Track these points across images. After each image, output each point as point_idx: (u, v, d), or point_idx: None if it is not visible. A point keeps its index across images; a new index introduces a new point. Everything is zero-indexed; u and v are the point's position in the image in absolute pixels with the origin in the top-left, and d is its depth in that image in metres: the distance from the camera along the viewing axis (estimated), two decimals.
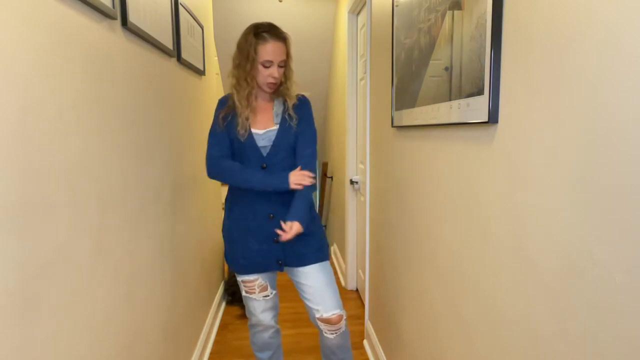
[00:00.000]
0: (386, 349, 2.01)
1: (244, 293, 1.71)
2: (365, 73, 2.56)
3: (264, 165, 1.56)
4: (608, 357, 0.63)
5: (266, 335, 1.77)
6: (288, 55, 1.55)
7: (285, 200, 1.55)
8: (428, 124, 1.31)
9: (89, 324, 0.99)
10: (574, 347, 0.70)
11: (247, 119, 1.54)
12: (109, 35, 1.13)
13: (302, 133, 1.58)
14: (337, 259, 3.86)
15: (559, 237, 0.73)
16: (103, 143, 1.07)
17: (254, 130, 1.57)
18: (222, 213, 2.02)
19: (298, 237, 1.60)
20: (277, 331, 1.81)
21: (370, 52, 2.23)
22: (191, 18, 2.14)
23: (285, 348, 2.28)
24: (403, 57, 1.56)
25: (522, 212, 0.84)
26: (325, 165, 4.65)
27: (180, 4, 1.87)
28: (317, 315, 1.61)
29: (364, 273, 2.84)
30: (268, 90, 1.56)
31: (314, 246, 1.62)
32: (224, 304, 3.00)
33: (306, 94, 1.67)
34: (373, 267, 2.29)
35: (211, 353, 2.37)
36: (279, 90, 1.61)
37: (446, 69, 1.15)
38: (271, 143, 1.56)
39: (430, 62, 1.27)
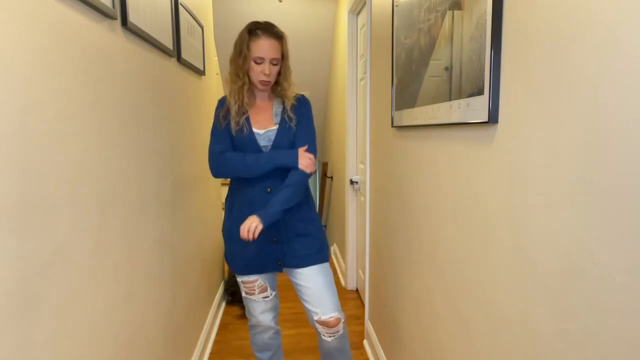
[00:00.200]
0: (386, 349, 2.01)
1: (243, 294, 1.70)
2: (365, 73, 2.56)
3: None
4: (608, 357, 0.63)
5: (266, 336, 1.76)
6: (284, 54, 1.55)
7: None
8: (428, 124, 1.31)
9: (89, 324, 0.99)
10: (574, 347, 0.70)
11: (237, 113, 1.54)
12: (109, 35, 1.13)
13: (301, 133, 1.58)
14: (337, 258, 3.86)
15: (559, 237, 0.73)
16: (103, 143, 1.07)
17: (254, 130, 1.57)
18: (222, 213, 2.02)
19: (297, 237, 1.60)
20: (277, 332, 1.81)
21: (370, 52, 2.23)
22: (191, 18, 2.14)
23: (285, 348, 2.28)
24: (403, 57, 1.56)
25: (522, 212, 0.84)
26: (325, 165, 4.65)
27: (180, 4, 1.87)
28: (315, 318, 1.60)
29: (364, 273, 2.84)
30: (261, 87, 1.55)
31: (313, 247, 1.61)
32: (224, 304, 3.00)
33: (306, 94, 1.66)
34: (373, 267, 2.29)
35: (211, 353, 2.37)
36: (276, 90, 1.60)
37: (446, 69, 1.15)
38: (271, 143, 1.56)
39: (430, 62, 1.27)
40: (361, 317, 2.77)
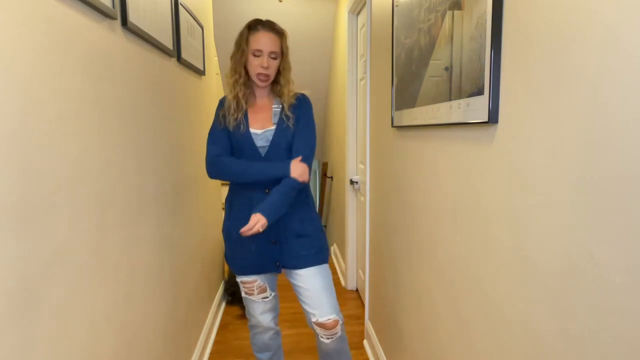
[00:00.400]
0: (386, 349, 2.01)
1: (243, 294, 1.70)
2: (365, 73, 2.56)
3: None
4: (608, 357, 0.63)
5: (266, 336, 1.76)
6: (283, 50, 1.55)
7: None
8: (428, 124, 1.31)
9: (89, 324, 0.99)
10: (574, 347, 0.70)
11: (235, 109, 1.54)
12: (109, 35, 1.13)
13: (299, 132, 1.56)
14: (337, 258, 3.86)
15: (559, 237, 0.73)
16: (103, 143, 1.07)
17: (252, 130, 1.56)
18: (222, 213, 2.02)
19: (296, 238, 1.59)
20: (277, 333, 1.81)
21: (370, 52, 2.23)
22: (191, 18, 2.14)
23: (285, 348, 2.28)
24: (403, 57, 1.56)
25: (522, 212, 0.84)
26: (325, 165, 4.65)
27: (180, 4, 1.87)
28: (313, 320, 1.59)
29: (364, 273, 2.84)
30: (259, 82, 1.54)
31: (312, 248, 1.60)
32: (224, 304, 3.00)
33: (307, 92, 1.66)
34: (373, 267, 2.29)
35: (211, 353, 2.37)
36: (276, 89, 1.60)
37: (446, 69, 1.15)
38: (269, 143, 1.55)
39: (430, 62, 1.27)
40: (361, 317, 2.77)
